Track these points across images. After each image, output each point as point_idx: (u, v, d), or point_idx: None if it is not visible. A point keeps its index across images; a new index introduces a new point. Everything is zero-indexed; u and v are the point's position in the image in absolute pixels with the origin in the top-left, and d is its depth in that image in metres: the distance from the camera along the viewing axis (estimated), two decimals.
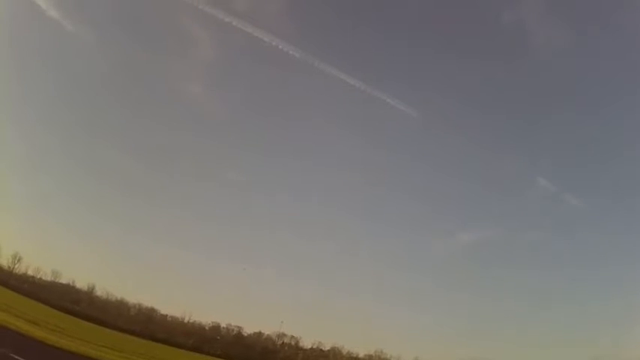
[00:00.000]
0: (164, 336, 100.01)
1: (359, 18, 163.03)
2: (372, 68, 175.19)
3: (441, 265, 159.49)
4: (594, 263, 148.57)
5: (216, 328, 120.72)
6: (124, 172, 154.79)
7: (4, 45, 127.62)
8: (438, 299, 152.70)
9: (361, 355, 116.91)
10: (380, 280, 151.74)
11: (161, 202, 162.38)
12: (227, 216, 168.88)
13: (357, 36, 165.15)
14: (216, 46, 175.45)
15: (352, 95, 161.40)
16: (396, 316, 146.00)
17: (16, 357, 26.45)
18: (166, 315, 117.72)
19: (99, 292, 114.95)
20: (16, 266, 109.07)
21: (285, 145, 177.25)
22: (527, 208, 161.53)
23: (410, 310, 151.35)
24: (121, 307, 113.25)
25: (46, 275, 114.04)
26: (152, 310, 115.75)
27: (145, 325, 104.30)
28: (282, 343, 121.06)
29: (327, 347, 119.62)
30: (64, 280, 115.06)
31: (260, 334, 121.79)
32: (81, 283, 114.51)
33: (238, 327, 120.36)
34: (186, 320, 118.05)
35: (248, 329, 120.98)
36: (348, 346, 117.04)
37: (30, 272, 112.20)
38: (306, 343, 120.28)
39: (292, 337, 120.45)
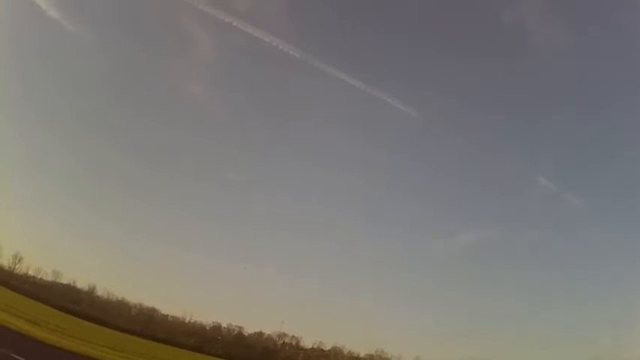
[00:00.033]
0: (165, 336, 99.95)
1: (359, 18, 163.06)
2: (372, 68, 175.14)
3: (441, 265, 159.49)
4: (594, 263, 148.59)
5: (217, 328, 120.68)
6: (124, 172, 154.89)
7: (4, 45, 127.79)
8: (438, 299, 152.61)
9: (362, 354, 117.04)
10: (380, 279, 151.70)
11: (161, 202, 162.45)
12: (227, 216, 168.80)
13: (357, 36, 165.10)
14: (217, 46, 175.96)
15: (352, 95, 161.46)
16: (396, 316, 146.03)
17: (17, 357, 26.38)
18: (167, 315, 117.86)
19: (100, 292, 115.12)
20: (17, 266, 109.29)
21: (285, 145, 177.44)
22: (528, 208, 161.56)
23: (410, 310, 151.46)
24: (121, 307, 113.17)
25: (47, 275, 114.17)
26: (153, 310, 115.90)
27: (146, 325, 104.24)
28: (283, 343, 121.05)
29: (327, 347, 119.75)
30: (64, 280, 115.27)
31: (261, 334, 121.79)
32: (82, 283, 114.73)
33: (239, 327, 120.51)
34: (187, 320, 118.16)
35: (249, 329, 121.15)
36: (348, 345, 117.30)
37: (31, 272, 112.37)
38: (307, 342, 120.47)
39: (293, 337, 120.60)
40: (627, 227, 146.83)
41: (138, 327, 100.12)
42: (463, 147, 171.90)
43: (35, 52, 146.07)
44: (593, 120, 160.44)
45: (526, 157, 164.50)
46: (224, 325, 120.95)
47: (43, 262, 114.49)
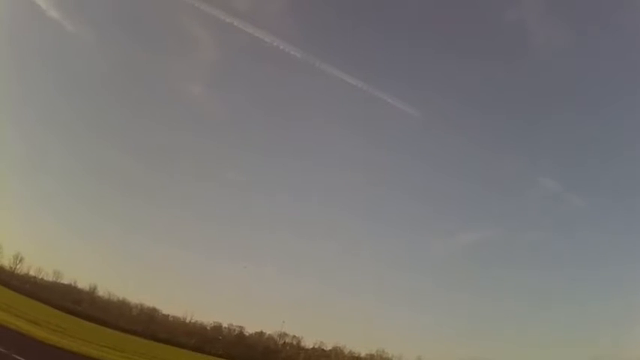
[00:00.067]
0: (166, 336, 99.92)
1: (359, 18, 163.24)
2: (372, 68, 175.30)
3: (441, 265, 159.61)
4: (594, 263, 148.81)
5: (217, 328, 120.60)
6: (124, 172, 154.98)
7: (4, 45, 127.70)
8: (438, 299, 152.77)
9: (363, 354, 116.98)
10: (380, 279, 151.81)
11: (161, 202, 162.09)
12: (227, 216, 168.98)
13: (357, 36, 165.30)
14: (217, 46, 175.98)
15: (352, 95, 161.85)
16: (397, 316, 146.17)
17: (18, 357, 26.29)
18: (168, 315, 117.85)
19: (100, 292, 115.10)
20: (18, 266, 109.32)
21: (286, 145, 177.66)
22: (528, 208, 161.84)
23: (410, 310, 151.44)
24: (122, 307, 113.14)
25: (48, 275, 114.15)
26: (154, 310, 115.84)
27: (147, 325, 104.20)
28: (284, 342, 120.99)
29: (328, 347, 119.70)
30: (65, 281, 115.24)
31: (262, 333, 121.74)
32: (82, 284, 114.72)
33: (240, 327, 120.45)
34: (187, 320, 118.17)
35: (250, 329, 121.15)
36: (349, 345, 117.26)
37: (32, 272, 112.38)
38: (308, 342, 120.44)
39: (294, 336, 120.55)
40: (627, 227, 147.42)
41: (139, 327, 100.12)
42: (463, 147, 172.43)
43: (35, 52, 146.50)
44: (593, 120, 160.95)
45: (526, 157, 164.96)
46: (225, 325, 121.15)
47: (43, 262, 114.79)
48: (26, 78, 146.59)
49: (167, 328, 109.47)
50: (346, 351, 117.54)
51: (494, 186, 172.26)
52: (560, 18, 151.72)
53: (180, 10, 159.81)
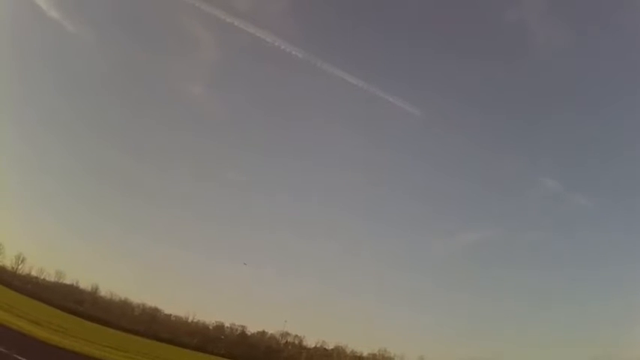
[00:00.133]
0: (168, 336, 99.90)
1: (360, 18, 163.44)
2: (373, 68, 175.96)
3: (441, 265, 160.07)
4: (594, 263, 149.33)
5: (219, 327, 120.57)
6: (124, 172, 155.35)
7: (5, 45, 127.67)
8: (438, 299, 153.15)
9: (365, 354, 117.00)
10: (381, 279, 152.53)
11: (161, 202, 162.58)
12: (227, 216, 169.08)
13: (357, 36, 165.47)
14: (218, 46, 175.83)
15: (352, 94, 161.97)
16: (397, 315, 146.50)
17: (19, 357, 26.12)
18: (170, 315, 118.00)
19: (102, 292, 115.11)
20: (20, 267, 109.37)
21: (286, 145, 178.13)
22: (528, 208, 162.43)
23: (410, 310, 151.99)
24: (124, 307, 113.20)
25: (50, 276, 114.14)
26: (156, 310, 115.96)
27: (149, 325, 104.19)
28: (286, 342, 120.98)
29: (330, 346, 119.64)
30: (67, 281, 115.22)
31: (264, 333, 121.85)
32: (84, 284, 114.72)
33: (242, 326, 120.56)
34: (189, 320, 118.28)
35: (252, 328, 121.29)
36: (351, 345, 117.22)
37: (33, 273, 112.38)
38: (310, 342, 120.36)
39: (296, 336, 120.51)
40: (627, 227, 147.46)
41: (141, 327, 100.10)
42: (463, 146, 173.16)
43: (36, 52, 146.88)
44: (593, 120, 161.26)
45: (526, 157, 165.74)
46: (227, 324, 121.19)
47: (45, 262, 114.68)
48: (27, 78, 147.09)
49: (169, 327, 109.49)
50: (348, 350, 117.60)
51: (495, 186, 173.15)
52: (560, 18, 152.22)
53: (180, 10, 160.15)
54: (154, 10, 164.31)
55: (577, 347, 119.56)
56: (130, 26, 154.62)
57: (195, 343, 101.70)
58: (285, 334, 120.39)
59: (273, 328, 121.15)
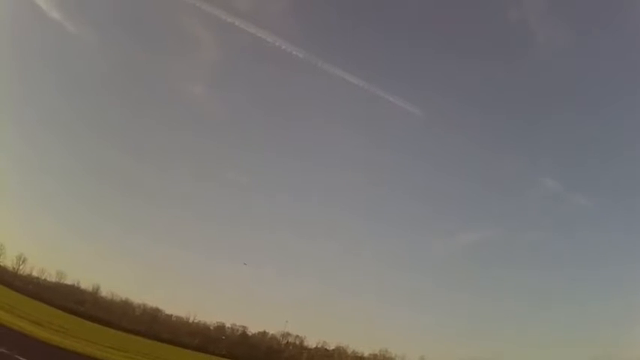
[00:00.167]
0: (169, 336, 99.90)
1: (360, 18, 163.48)
2: (373, 68, 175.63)
3: (441, 265, 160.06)
4: (594, 263, 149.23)
5: (220, 327, 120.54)
6: (124, 172, 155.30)
7: (5, 46, 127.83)
8: (438, 299, 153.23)
9: (366, 354, 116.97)
10: (381, 279, 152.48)
11: (161, 202, 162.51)
12: (227, 216, 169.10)
13: (358, 36, 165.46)
14: (218, 46, 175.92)
15: (353, 94, 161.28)
16: (398, 315, 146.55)
17: (20, 358, 26.10)
18: (171, 315, 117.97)
19: (103, 292, 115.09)
20: (21, 267, 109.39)
21: (287, 145, 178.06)
22: (528, 208, 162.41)
23: (411, 310, 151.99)
24: (125, 307, 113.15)
25: (51, 276, 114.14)
26: (157, 310, 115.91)
27: (150, 326, 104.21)
28: (287, 342, 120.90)
29: (331, 347, 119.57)
30: (68, 281, 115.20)
31: (265, 333, 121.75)
32: (85, 284, 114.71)
33: (243, 327, 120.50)
34: (190, 320, 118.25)
35: (253, 329, 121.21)
36: (352, 345, 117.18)
37: (34, 273, 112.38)
38: (311, 342, 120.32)
39: (297, 336, 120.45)
40: (627, 227, 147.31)
41: (142, 327, 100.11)
42: (464, 146, 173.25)
43: (36, 52, 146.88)
44: (593, 120, 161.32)
45: (526, 157, 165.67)
46: (228, 325, 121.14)
47: (46, 262, 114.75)
48: (27, 78, 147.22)
49: (170, 328, 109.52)
50: (349, 351, 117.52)
51: (495, 186, 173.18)
52: (560, 18, 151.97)
53: (181, 10, 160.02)
54: (155, 10, 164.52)
55: (577, 347, 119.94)
56: (130, 26, 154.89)
57: (196, 344, 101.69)
58: (286, 335, 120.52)
59: (274, 328, 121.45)
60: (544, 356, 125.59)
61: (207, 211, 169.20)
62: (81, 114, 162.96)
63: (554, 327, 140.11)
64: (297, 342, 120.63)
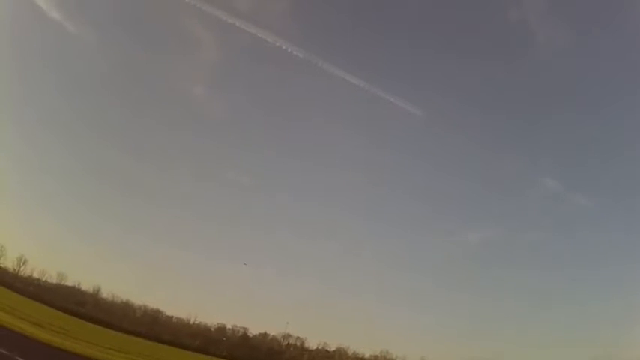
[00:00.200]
0: (170, 337, 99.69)
1: (360, 18, 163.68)
2: (373, 68, 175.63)
3: (441, 265, 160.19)
4: (594, 263, 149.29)
5: (221, 329, 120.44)
6: (124, 172, 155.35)
7: (6, 46, 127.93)
8: (438, 299, 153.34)
9: (367, 355, 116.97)
10: (382, 280, 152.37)
11: (161, 202, 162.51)
12: (227, 216, 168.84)
13: (358, 36, 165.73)
14: (219, 46, 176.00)
15: (353, 94, 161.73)
16: (398, 316, 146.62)
17: (21, 359, 26.04)
18: (172, 316, 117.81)
19: (104, 294, 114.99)
20: (22, 269, 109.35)
21: (287, 145, 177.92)
22: (528, 208, 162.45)
23: (411, 310, 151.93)
24: (126, 308, 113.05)
25: (52, 277, 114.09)
26: (157, 311, 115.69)
27: (151, 327, 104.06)
28: (288, 343, 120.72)
29: (332, 348, 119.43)
30: (69, 283, 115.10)
31: (265, 334, 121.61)
32: (86, 285, 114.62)
33: (244, 328, 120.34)
34: (191, 321, 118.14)
35: (253, 330, 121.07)
36: (353, 346, 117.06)
37: (35, 275, 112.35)
38: (312, 343, 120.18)
39: (298, 337, 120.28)
40: (627, 227, 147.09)
41: (142, 328, 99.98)
42: (464, 146, 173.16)
43: (36, 52, 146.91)
44: (593, 120, 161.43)
45: (526, 157, 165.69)
46: (229, 326, 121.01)
47: (47, 264, 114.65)
48: (27, 78, 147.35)
49: (171, 329, 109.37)
50: (350, 352, 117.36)
51: (495, 186, 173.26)
52: (560, 18, 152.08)
53: (181, 10, 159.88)
54: (155, 10, 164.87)
55: (577, 347, 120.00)
56: (130, 27, 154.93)
57: (196, 345, 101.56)
58: (287, 336, 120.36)
59: (274, 329, 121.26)
60: (544, 356, 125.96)
61: (207, 211, 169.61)
62: (81, 114, 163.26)
63: (554, 327, 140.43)
64: (298, 343, 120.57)
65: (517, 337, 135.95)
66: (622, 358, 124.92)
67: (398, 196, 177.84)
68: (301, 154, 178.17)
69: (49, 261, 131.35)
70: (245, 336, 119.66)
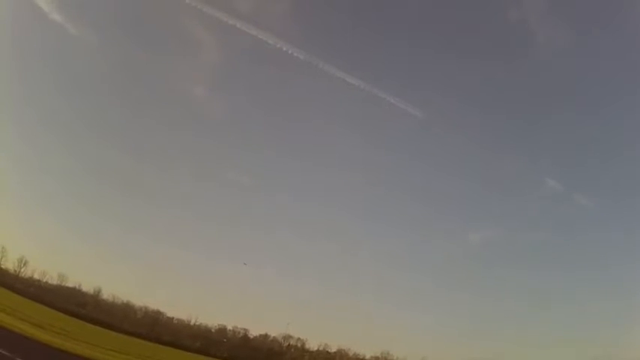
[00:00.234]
0: (170, 339, 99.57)
1: (360, 18, 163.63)
2: (373, 68, 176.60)
3: (442, 266, 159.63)
4: (594, 263, 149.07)
5: (222, 330, 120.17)
6: (124, 172, 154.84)
7: (6, 46, 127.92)
8: (439, 299, 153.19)
9: (368, 356, 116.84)
10: (382, 280, 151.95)
11: (161, 202, 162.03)
12: (227, 216, 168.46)
13: (357, 37, 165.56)
14: (219, 48, 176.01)
15: (353, 95, 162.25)
16: (398, 316, 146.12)
17: None
18: (172, 318, 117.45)
19: (105, 295, 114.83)
20: (22, 270, 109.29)
21: (287, 146, 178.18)
22: (528, 208, 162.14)
23: (411, 311, 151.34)
24: (126, 310, 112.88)
25: (52, 279, 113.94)
26: (158, 312, 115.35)
27: (151, 328, 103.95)
28: (289, 345, 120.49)
29: (333, 349, 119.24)
30: (70, 284, 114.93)
31: (266, 336, 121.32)
32: (87, 287, 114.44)
33: (244, 329, 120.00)
34: (192, 323, 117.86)
35: (254, 331, 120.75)
36: (354, 347, 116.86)
37: (36, 276, 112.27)
38: (312, 345, 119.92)
39: (298, 339, 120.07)
40: (628, 227, 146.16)
41: (143, 330, 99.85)
42: (464, 147, 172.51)
43: (37, 53, 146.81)
44: (593, 120, 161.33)
45: (526, 157, 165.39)
46: (229, 327, 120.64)
47: (47, 265, 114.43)
48: (27, 79, 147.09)
49: (171, 330, 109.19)
50: (351, 353, 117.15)
51: (495, 186, 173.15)
52: (560, 18, 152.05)
53: (182, 12, 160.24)
54: (156, 12, 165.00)
55: (577, 347, 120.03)
56: (131, 28, 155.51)
57: (197, 346, 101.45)
58: (288, 337, 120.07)
59: (275, 330, 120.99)
60: (544, 356, 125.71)
61: (207, 211, 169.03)
62: (81, 114, 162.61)
63: (554, 327, 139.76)
64: (299, 344, 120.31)
65: (517, 337, 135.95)
66: (622, 358, 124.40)
67: (399, 196, 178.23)
68: (301, 155, 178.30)
69: (50, 262, 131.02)
70: (246, 337, 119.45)
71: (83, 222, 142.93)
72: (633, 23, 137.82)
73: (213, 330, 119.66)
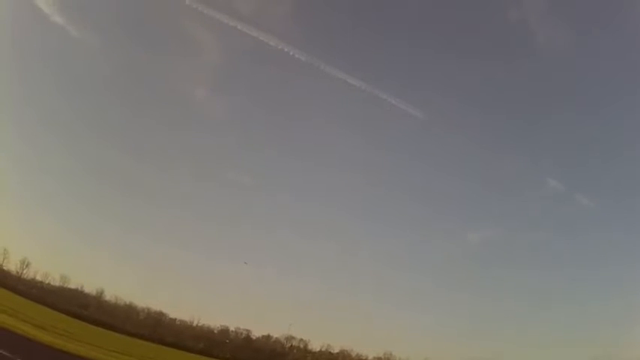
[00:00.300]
0: (173, 340, 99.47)
1: (360, 19, 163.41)
2: (373, 68, 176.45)
3: (442, 266, 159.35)
4: (595, 263, 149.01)
5: (224, 331, 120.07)
6: (124, 172, 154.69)
7: (7, 48, 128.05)
8: (439, 299, 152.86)
9: (370, 357, 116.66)
10: (381, 280, 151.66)
11: (161, 202, 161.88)
12: (227, 216, 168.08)
13: (358, 37, 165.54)
14: (221, 49, 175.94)
15: (353, 95, 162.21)
16: (398, 316, 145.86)
17: None
18: (175, 319, 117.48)
19: (107, 296, 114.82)
20: (25, 271, 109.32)
21: (287, 146, 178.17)
22: (528, 208, 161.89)
23: (411, 311, 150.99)
24: (129, 311, 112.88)
25: (54, 280, 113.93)
26: (160, 314, 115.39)
27: (154, 329, 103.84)
28: (291, 346, 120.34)
29: (335, 350, 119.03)
30: (72, 285, 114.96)
31: (269, 337, 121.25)
32: (89, 288, 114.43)
33: (247, 330, 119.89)
34: (195, 324, 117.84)
35: (257, 332, 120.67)
36: (356, 348, 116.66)
37: (38, 277, 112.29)
38: (315, 345, 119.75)
39: (301, 340, 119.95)
40: (628, 227, 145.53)
41: (146, 331, 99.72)
42: (464, 147, 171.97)
43: (38, 54, 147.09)
44: (594, 120, 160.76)
45: (526, 157, 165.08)
46: (232, 328, 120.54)
47: (50, 266, 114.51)
48: (28, 79, 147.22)
49: (174, 331, 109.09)
50: (353, 354, 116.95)
51: (495, 186, 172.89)
52: (560, 18, 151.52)
53: (183, 13, 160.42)
54: (157, 13, 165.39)
55: (577, 347, 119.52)
56: (132, 29, 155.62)
57: (200, 347, 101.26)
58: (290, 338, 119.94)
59: (278, 331, 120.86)
60: (544, 356, 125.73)
61: (207, 211, 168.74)
62: (82, 114, 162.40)
63: (554, 327, 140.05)
64: (301, 345, 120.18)
65: (517, 337, 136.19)
66: (622, 358, 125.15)
67: (399, 196, 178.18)
68: (302, 155, 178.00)
69: (52, 263, 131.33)
70: (248, 338, 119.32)
71: (83, 222, 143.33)
72: (633, 23, 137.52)
73: (215, 331, 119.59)
